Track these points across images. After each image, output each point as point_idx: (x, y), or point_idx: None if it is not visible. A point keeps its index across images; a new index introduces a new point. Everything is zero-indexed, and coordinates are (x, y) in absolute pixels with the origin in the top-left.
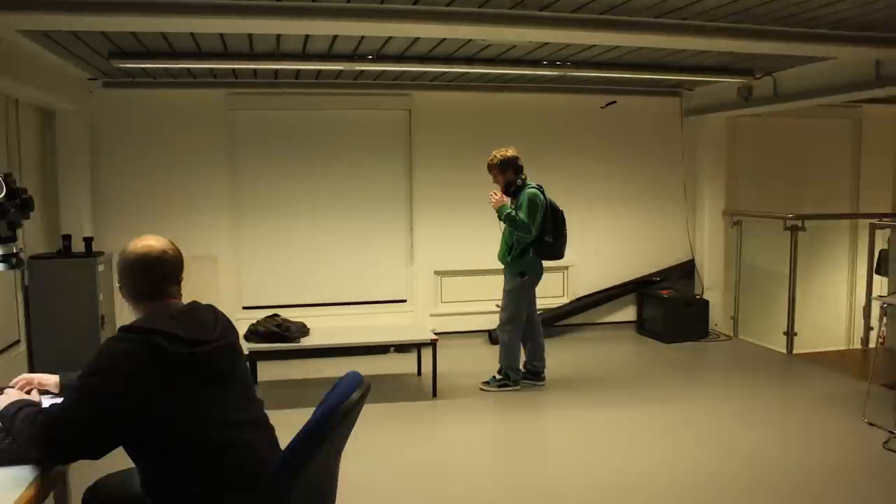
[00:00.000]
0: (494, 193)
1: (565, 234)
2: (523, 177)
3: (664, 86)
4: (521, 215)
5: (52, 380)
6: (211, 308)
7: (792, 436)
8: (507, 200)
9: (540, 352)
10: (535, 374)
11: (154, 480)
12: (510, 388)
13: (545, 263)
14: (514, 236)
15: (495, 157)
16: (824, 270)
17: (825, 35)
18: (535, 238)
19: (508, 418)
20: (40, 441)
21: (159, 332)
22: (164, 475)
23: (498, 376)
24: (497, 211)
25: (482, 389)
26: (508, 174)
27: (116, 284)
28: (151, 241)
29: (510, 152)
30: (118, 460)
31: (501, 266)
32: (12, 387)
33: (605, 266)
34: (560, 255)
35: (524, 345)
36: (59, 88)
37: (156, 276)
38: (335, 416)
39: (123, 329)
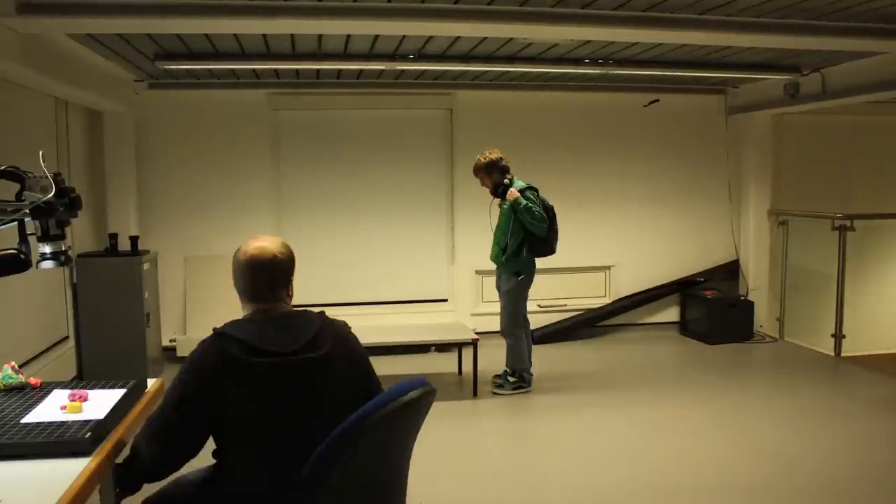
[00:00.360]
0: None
1: (556, 229)
2: (510, 177)
3: (708, 83)
4: (537, 208)
5: None
6: (317, 318)
7: (837, 440)
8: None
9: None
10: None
11: (224, 465)
12: (524, 390)
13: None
14: (508, 236)
15: (480, 160)
16: (875, 271)
17: (875, 29)
18: (525, 237)
19: (548, 417)
20: (148, 457)
21: (232, 337)
22: (231, 464)
23: (511, 379)
24: (513, 204)
25: (494, 394)
26: (494, 175)
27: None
28: (265, 243)
29: (494, 154)
30: None
31: (544, 266)
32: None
33: (648, 266)
34: (552, 251)
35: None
36: (106, 90)
37: (263, 278)
38: (373, 415)
39: (214, 330)
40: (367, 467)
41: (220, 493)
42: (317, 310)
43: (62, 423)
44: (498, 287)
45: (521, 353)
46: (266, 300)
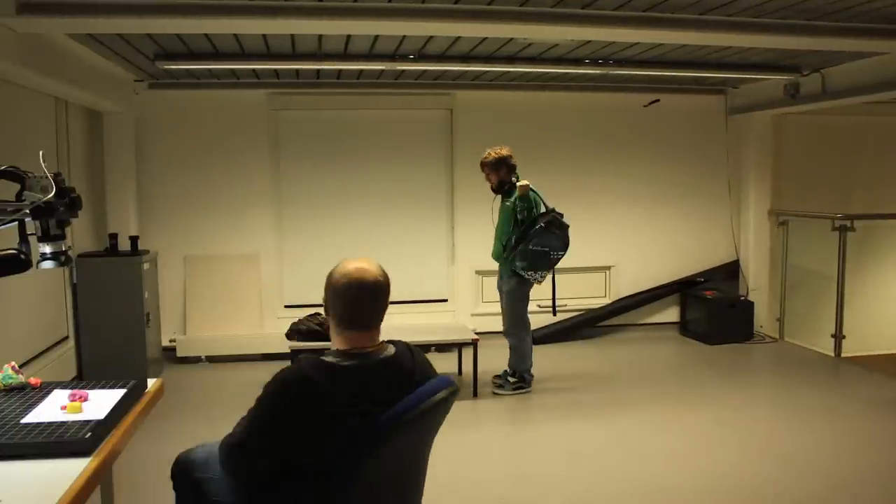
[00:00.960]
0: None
1: (566, 242)
2: (517, 175)
3: (708, 84)
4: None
5: None
6: (411, 351)
7: (837, 440)
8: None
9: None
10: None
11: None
12: (525, 391)
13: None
14: (510, 234)
15: (490, 155)
16: (875, 272)
17: (875, 30)
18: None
19: (546, 419)
20: (222, 462)
21: (321, 385)
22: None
23: (512, 379)
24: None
25: (495, 394)
26: (502, 172)
27: (323, 303)
28: (365, 265)
29: (504, 151)
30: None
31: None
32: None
33: (648, 266)
34: (550, 265)
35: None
36: (106, 90)
37: (364, 306)
38: (411, 412)
39: (307, 361)
40: (396, 461)
41: None
42: (315, 310)
43: (62, 424)
44: (499, 287)
45: (524, 353)
46: (367, 328)
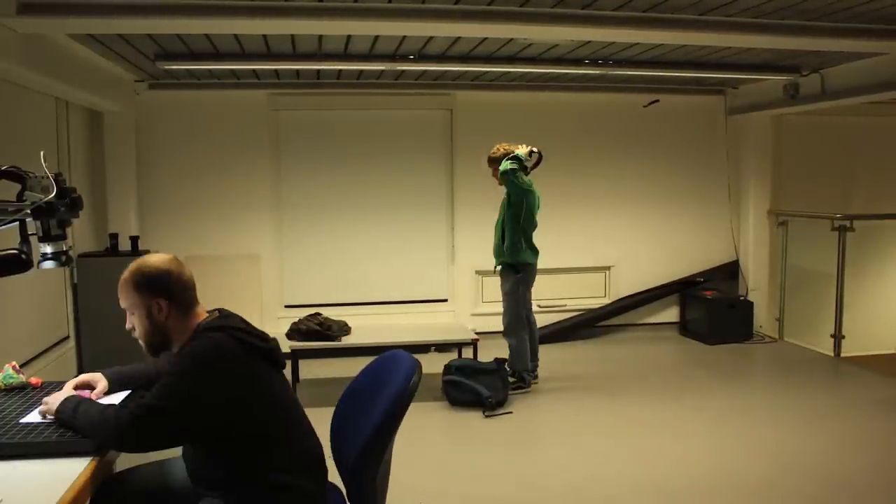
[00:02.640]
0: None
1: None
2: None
3: (708, 84)
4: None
5: (102, 382)
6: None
7: (836, 440)
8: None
9: (533, 354)
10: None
11: (231, 474)
12: (524, 390)
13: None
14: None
15: (496, 150)
16: (875, 272)
17: (875, 30)
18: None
19: (545, 418)
20: (121, 432)
21: (239, 328)
22: (246, 466)
23: (511, 379)
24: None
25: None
26: None
27: (152, 302)
28: (166, 255)
29: (509, 147)
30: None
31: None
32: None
33: (648, 266)
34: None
35: None
36: (107, 90)
37: (190, 285)
38: (408, 395)
39: (206, 328)
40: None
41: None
42: (315, 310)
43: None
44: (501, 288)
45: (523, 352)
46: (196, 304)
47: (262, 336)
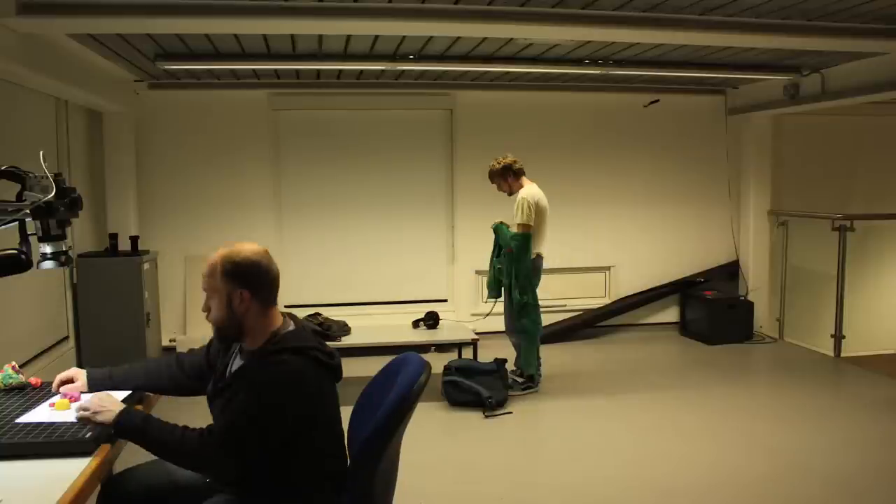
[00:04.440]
0: None
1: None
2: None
3: (708, 84)
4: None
5: (81, 378)
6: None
7: (837, 440)
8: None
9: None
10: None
11: (259, 477)
12: (532, 390)
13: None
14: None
15: (494, 165)
16: (875, 272)
17: (875, 30)
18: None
19: (546, 418)
20: (211, 456)
21: (315, 348)
22: (277, 471)
23: (519, 380)
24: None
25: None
26: (510, 179)
27: (235, 291)
28: (256, 245)
29: (508, 159)
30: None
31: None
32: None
33: (648, 267)
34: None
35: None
36: (107, 90)
37: (276, 282)
38: (411, 397)
39: (286, 348)
40: (393, 452)
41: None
42: (315, 310)
43: (62, 423)
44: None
45: (530, 352)
46: (276, 301)
47: (331, 353)
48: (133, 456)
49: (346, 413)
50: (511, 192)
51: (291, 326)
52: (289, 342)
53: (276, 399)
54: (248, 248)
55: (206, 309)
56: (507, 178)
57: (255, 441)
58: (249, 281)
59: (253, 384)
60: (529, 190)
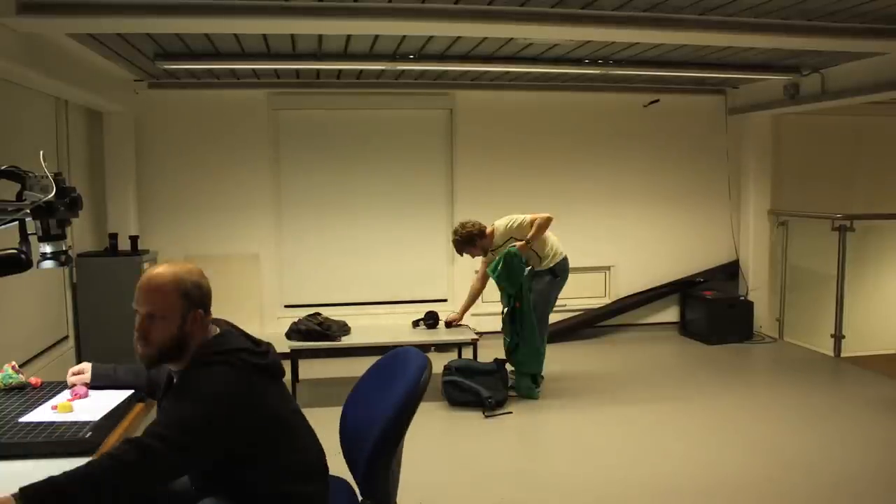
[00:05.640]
0: None
1: None
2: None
3: (708, 84)
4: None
5: (87, 372)
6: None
7: (837, 440)
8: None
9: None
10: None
11: (234, 484)
12: (537, 390)
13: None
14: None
15: (455, 238)
16: (875, 272)
17: (875, 30)
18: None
19: (546, 418)
20: (141, 472)
21: (243, 349)
22: (249, 477)
23: None
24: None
25: (511, 395)
26: (479, 242)
27: (190, 312)
28: (193, 267)
29: (468, 227)
30: None
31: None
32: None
33: (648, 267)
34: None
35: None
36: (106, 90)
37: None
38: (417, 394)
39: (216, 352)
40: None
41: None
42: (315, 310)
43: (62, 423)
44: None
45: (541, 356)
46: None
47: (264, 352)
48: None
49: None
50: (486, 250)
51: (216, 331)
52: (218, 346)
53: (210, 410)
54: (187, 266)
55: (144, 330)
56: (475, 242)
57: (185, 450)
58: (203, 299)
59: (183, 394)
60: (500, 223)
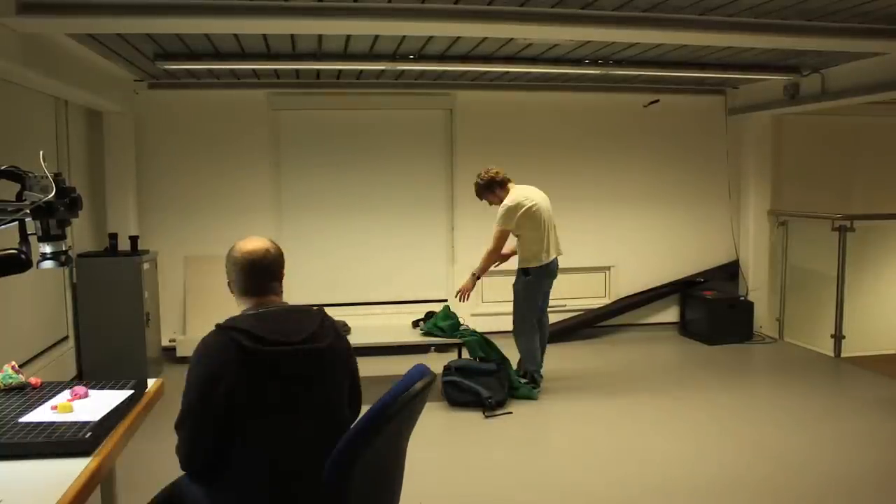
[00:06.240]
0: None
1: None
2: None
3: (708, 84)
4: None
5: None
6: (315, 314)
7: (837, 440)
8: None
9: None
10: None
11: (214, 466)
12: (536, 390)
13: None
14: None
15: (478, 181)
16: (875, 272)
17: (875, 30)
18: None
19: (546, 418)
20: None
21: (242, 330)
22: (227, 461)
23: (523, 381)
24: None
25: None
26: (497, 191)
27: (226, 280)
28: (256, 240)
29: (491, 172)
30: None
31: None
32: None
33: (648, 267)
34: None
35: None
36: (106, 90)
37: (258, 273)
38: (393, 406)
39: (217, 325)
40: (382, 457)
41: (230, 493)
42: (315, 309)
43: (62, 423)
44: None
45: (533, 352)
46: (262, 293)
47: (259, 337)
48: (137, 454)
49: None
50: (502, 201)
51: (254, 310)
52: (228, 320)
53: (193, 372)
54: (248, 242)
55: None
56: (494, 190)
57: (189, 418)
58: (236, 274)
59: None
60: (516, 195)
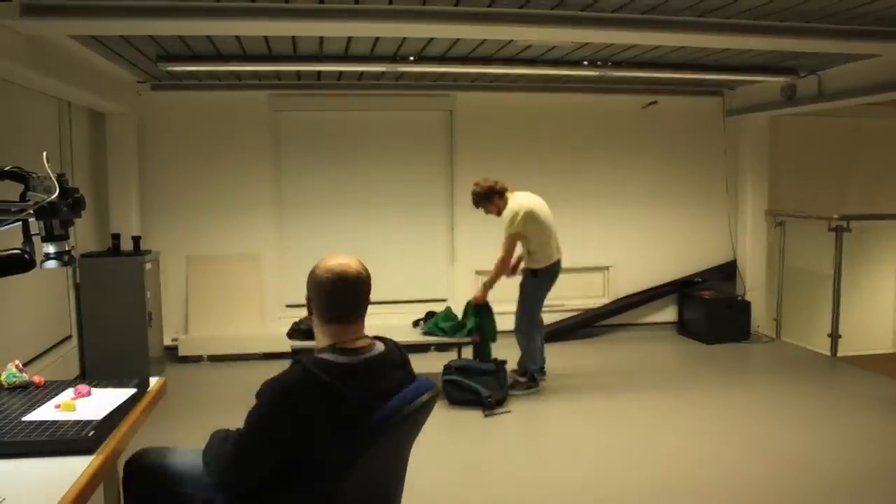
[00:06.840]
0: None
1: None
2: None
3: (706, 85)
4: None
5: None
6: (395, 350)
7: (834, 439)
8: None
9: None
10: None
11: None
12: (534, 390)
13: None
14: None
15: (476, 190)
16: (871, 272)
17: (871, 32)
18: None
19: (544, 418)
20: (220, 471)
21: (334, 385)
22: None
23: (521, 379)
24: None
25: (511, 394)
26: (496, 200)
27: (306, 299)
28: (345, 260)
29: (489, 182)
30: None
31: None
32: None
33: (646, 267)
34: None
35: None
36: (109, 91)
37: (348, 299)
38: (394, 417)
39: (310, 362)
40: (378, 468)
41: None
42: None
43: (65, 422)
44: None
45: (534, 351)
46: (351, 321)
47: (344, 392)
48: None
49: None
50: (500, 212)
51: (339, 347)
52: (314, 354)
53: (263, 407)
54: (332, 261)
55: None
56: (492, 199)
57: (253, 451)
58: (318, 297)
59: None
60: (519, 201)
